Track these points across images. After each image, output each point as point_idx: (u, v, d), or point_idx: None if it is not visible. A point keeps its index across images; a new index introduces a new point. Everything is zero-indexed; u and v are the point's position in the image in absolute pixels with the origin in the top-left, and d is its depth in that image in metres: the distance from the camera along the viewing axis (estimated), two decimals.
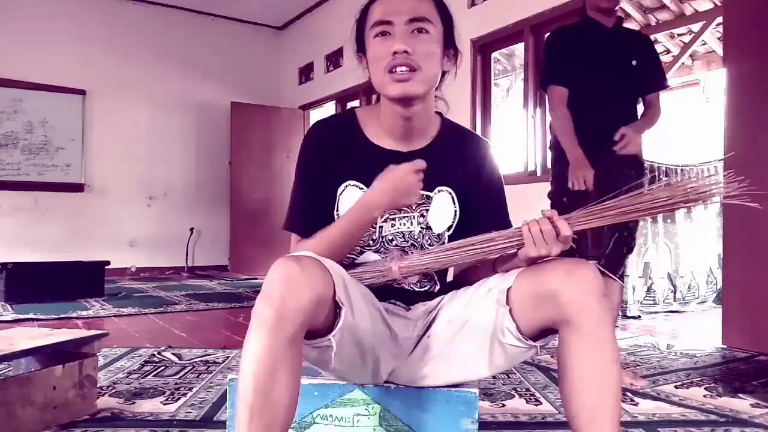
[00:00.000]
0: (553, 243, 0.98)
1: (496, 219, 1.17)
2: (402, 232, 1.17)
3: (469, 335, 1.07)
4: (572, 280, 0.93)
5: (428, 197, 1.18)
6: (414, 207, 1.17)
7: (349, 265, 1.15)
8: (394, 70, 1.07)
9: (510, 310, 1.00)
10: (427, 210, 1.18)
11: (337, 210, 1.16)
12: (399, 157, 1.14)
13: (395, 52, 1.06)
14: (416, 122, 1.16)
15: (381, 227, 1.16)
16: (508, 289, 1.01)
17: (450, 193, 1.20)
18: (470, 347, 1.07)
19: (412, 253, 1.15)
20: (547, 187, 2.30)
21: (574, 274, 0.93)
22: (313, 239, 1.12)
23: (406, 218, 1.17)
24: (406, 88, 1.07)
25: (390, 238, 1.17)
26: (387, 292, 1.14)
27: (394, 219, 1.16)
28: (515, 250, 1.03)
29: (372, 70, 1.13)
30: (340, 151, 1.16)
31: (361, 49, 1.17)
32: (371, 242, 1.16)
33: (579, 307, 0.92)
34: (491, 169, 1.24)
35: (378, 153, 1.16)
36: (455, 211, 1.20)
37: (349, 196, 1.15)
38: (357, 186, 1.16)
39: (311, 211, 1.16)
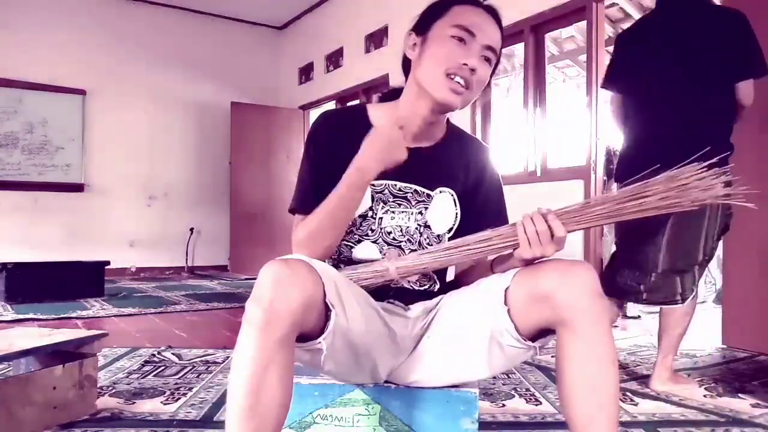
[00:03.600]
0: (548, 244, 0.98)
1: (497, 224, 1.16)
2: (400, 226, 1.17)
3: (467, 336, 1.06)
4: (568, 281, 0.93)
5: (428, 195, 1.18)
6: (413, 203, 1.17)
7: (347, 263, 1.15)
8: (453, 77, 1.09)
9: (508, 311, 0.99)
10: (426, 208, 1.18)
11: None
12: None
13: (466, 65, 1.09)
14: (432, 127, 1.20)
15: (381, 218, 1.16)
16: (506, 289, 1.00)
17: (452, 195, 1.20)
18: (469, 348, 1.06)
19: (410, 252, 1.15)
20: (546, 187, 2.13)
21: (569, 275, 0.93)
22: (312, 214, 1.11)
23: (404, 213, 1.17)
24: (451, 99, 1.11)
25: (389, 230, 1.17)
26: (385, 291, 1.14)
27: (393, 212, 1.17)
28: (511, 250, 1.03)
29: (428, 63, 1.12)
30: (347, 140, 1.16)
31: (421, 30, 1.16)
32: (370, 232, 1.16)
33: (575, 308, 0.92)
34: (493, 175, 1.26)
35: None
36: (456, 213, 1.21)
37: None
38: None
39: (317, 194, 1.15)
